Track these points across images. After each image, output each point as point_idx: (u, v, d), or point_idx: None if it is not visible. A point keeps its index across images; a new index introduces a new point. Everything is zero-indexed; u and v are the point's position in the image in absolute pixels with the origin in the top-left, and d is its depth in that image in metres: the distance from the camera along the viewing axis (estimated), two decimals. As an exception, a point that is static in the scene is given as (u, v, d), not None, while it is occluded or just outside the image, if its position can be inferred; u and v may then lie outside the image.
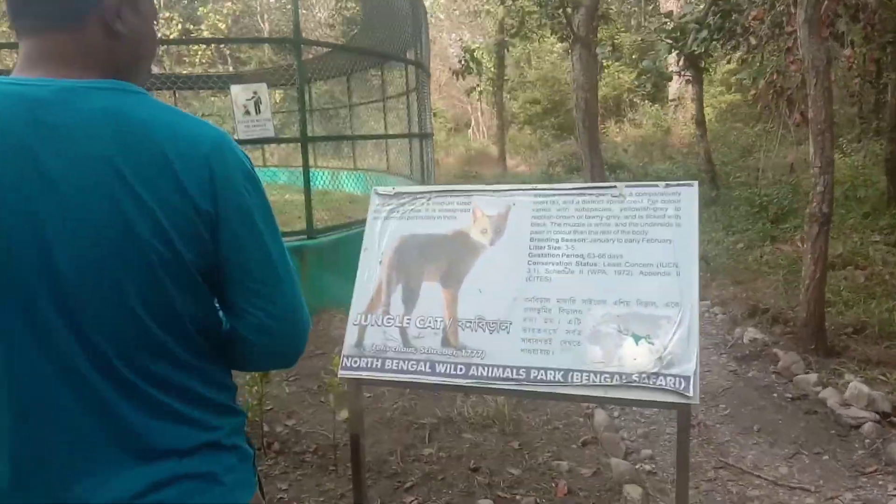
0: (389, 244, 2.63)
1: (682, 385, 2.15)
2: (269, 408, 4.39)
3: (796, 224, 8.05)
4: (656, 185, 2.44)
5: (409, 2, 8.22)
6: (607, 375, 2.22)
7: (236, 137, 5.85)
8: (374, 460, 3.68)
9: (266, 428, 4.11)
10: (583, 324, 2.30)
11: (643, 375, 2.19)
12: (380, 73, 15.64)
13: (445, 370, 2.37)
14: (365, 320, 2.53)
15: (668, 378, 2.17)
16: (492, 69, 19.18)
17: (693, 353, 2.18)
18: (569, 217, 2.47)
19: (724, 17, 8.53)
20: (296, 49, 5.91)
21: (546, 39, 27.85)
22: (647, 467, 3.43)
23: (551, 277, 2.40)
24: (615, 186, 2.47)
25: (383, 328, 2.50)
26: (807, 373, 4.24)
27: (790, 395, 4.21)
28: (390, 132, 15.19)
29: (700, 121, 11.42)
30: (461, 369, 2.36)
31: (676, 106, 23.81)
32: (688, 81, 12.58)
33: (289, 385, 4.74)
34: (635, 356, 2.22)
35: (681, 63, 10.81)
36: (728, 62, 13.41)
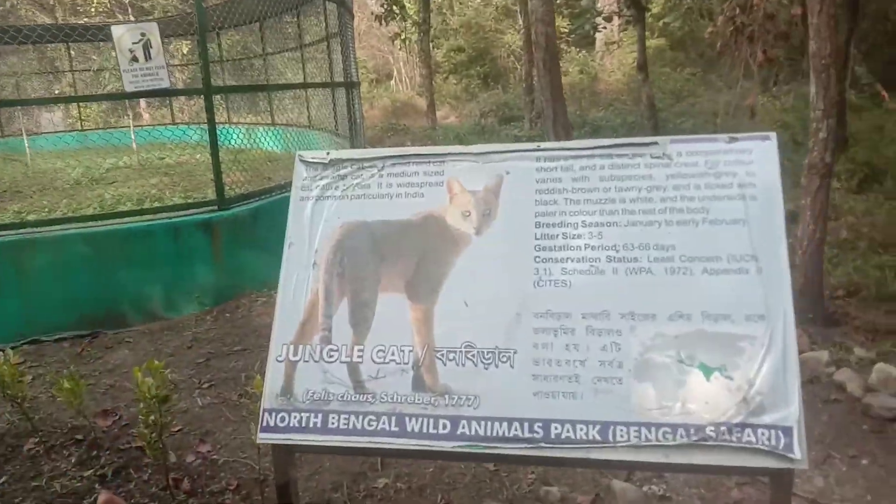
0: (327, 237, 1.78)
1: (782, 441, 1.44)
2: (176, 429, 3.51)
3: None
4: (715, 140, 1.68)
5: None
6: (667, 430, 1.48)
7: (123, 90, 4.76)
8: (313, 499, 2.89)
9: (173, 459, 3.24)
10: (624, 351, 1.55)
11: (721, 428, 1.46)
12: (295, 18, 14.33)
13: (420, 427, 1.58)
14: (294, 354, 1.70)
15: (760, 430, 1.45)
16: (416, 14, 18.01)
17: (794, 391, 1.47)
18: (591, 190, 1.68)
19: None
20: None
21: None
22: (658, 489, 2.80)
23: (571, 281, 1.62)
24: (656, 143, 1.69)
25: (323, 365, 1.67)
26: (812, 349, 3.71)
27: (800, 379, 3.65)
28: (311, 82, 14.00)
29: (642, 64, 10.81)
30: (444, 426, 1.57)
31: (604, 53, 23.32)
32: (627, 22, 11.92)
33: (202, 394, 3.85)
34: (706, 398, 1.49)
35: (621, 2, 10.09)
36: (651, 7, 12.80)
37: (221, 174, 5.07)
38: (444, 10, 30.79)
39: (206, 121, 4.97)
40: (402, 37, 18.49)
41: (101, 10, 23.65)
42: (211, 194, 7.99)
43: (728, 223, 1.60)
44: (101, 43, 19.94)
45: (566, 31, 26.34)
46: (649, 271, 1.59)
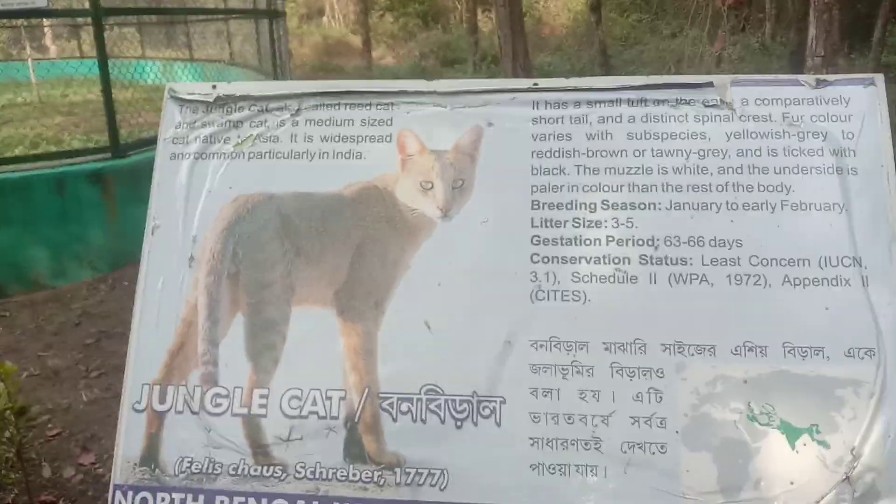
0: (211, 218, 1.17)
1: (906, 543, 0.95)
2: (53, 432, 2.86)
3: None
4: (796, 83, 1.13)
5: None
6: (736, 524, 0.97)
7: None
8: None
9: (47, 473, 2.61)
10: (668, 401, 1.02)
11: (816, 522, 0.97)
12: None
13: (358, 519, 1.03)
14: (161, 401, 1.10)
15: (873, 527, 0.96)
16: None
17: (922, 467, 0.98)
18: (616, 153, 1.12)
19: None
20: None
21: None
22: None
23: (587, 293, 1.07)
24: (710, 83, 1.13)
25: (205, 419, 1.08)
26: None
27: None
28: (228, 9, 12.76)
29: (595, 6, 10.21)
30: (395, 517, 1.02)
31: (547, -7, 22.65)
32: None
33: (88, 386, 3.18)
34: (792, 475, 0.99)
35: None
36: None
37: (115, 114, 4.26)
38: (381, -58, 29.31)
39: (115, 55, 4.12)
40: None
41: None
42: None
43: (818, 208, 1.07)
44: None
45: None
46: (703, 279, 1.05)
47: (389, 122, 1.17)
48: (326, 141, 1.17)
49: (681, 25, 16.65)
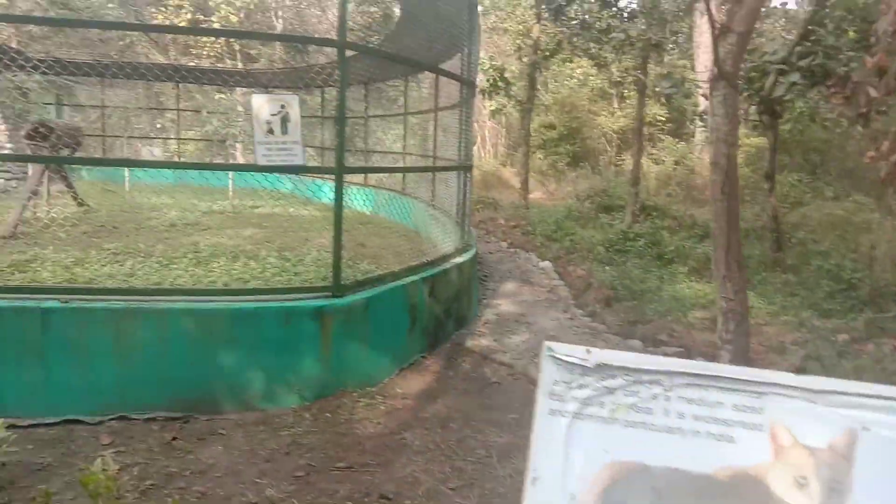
0: (588, 480, 1.30)
1: None
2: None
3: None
4: None
5: (465, 4, 6.88)
6: None
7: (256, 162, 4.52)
8: None
9: None
10: None
11: None
12: (403, 83, 14.40)
13: None
14: None
15: None
16: (517, 90, 17.91)
17: None
18: None
19: (826, 57, 7.33)
20: (340, 55, 4.57)
21: (568, 62, 26.80)
22: None
23: None
24: None
25: None
26: None
27: None
28: (409, 152, 13.95)
29: (770, 174, 10.19)
30: None
31: (704, 147, 22.75)
32: (754, 127, 11.37)
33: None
34: None
35: (753, 108, 9.58)
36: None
37: (341, 260, 4.72)
38: (539, 86, 31.02)
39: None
40: (503, 111, 18.44)
41: (211, 53, 24.69)
42: (311, 263, 7.81)
43: None
44: (206, 85, 20.77)
45: (662, 119, 25.99)
46: None
47: (760, 411, 1.27)
48: (698, 420, 1.29)
49: (844, 188, 16.11)
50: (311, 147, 20.94)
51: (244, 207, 14.52)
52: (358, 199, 12.98)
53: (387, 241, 8.66)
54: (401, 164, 13.88)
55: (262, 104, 4.42)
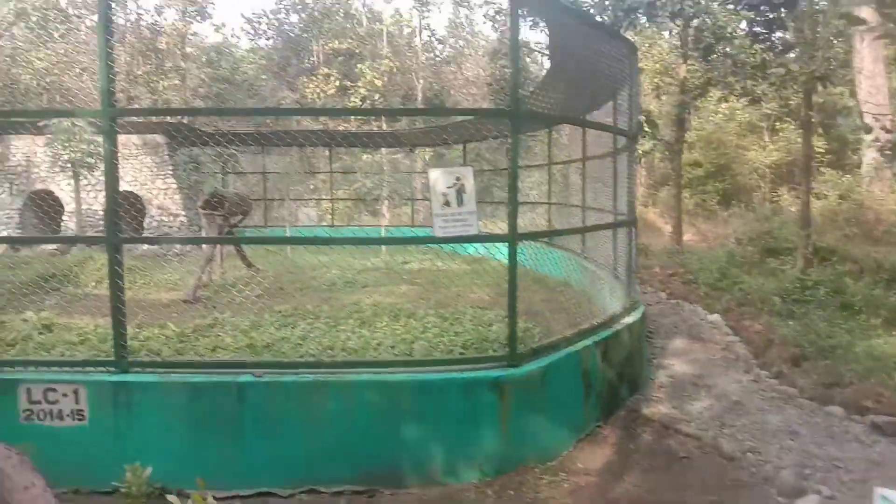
0: None
1: None
2: None
3: None
4: None
5: (624, 47, 6.69)
6: None
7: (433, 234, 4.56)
8: None
9: None
10: None
11: None
12: (546, 136, 14.38)
13: None
14: None
15: None
16: (662, 131, 17.29)
17: None
18: None
19: None
20: (513, 124, 4.54)
21: (711, 98, 25.66)
22: None
23: None
24: None
25: None
26: None
27: None
28: (553, 201, 13.81)
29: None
30: None
31: (872, 178, 20.75)
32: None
33: None
34: None
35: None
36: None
37: (516, 329, 4.61)
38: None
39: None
40: (650, 153, 17.89)
41: (358, 117, 26.07)
42: (470, 322, 7.79)
43: None
44: (356, 148, 21.90)
45: (821, 150, 24.07)
46: None
47: None
48: None
49: None
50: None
51: (395, 263, 14.94)
52: (501, 250, 12.96)
53: (541, 296, 8.50)
54: (547, 214, 13.75)
55: (438, 177, 4.48)
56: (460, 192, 4.44)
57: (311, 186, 25.79)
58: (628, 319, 6.24)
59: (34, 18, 22.83)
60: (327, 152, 22.07)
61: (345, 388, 4.36)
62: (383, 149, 23.06)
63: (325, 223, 22.25)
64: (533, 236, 4.86)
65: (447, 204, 4.43)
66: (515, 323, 4.60)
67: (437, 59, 30.79)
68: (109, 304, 4.60)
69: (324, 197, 23.21)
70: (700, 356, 7.56)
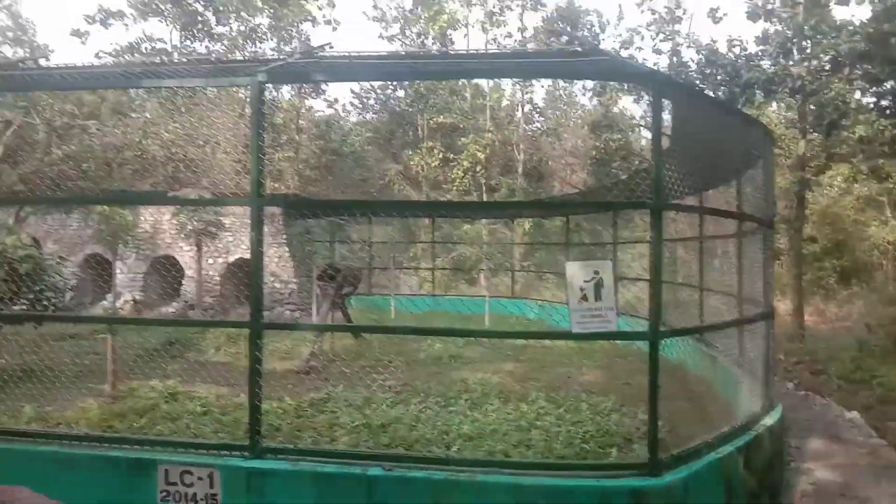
0: None
1: None
2: None
3: None
4: None
5: (761, 132, 6.44)
6: None
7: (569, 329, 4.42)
8: None
9: None
10: None
11: None
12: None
13: None
14: None
15: None
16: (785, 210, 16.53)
17: None
18: None
19: None
20: (656, 217, 4.37)
21: (833, 174, 24.46)
22: None
23: None
24: None
25: None
26: None
27: None
28: (667, 280, 13.31)
29: None
30: None
31: None
32: None
33: None
34: None
35: None
36: None
37: (657, 434, 4.33)
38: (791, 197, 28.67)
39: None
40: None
41: (460, 188, 26.57)
42: (587, 411, 7.47)
43: None
44: (457, 218, 22.24)
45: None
46: None
47: None
48: None
49: None
50: (552, 273, 21.21)
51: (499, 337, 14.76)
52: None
53: (672, 390, 8.09)
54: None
55: (575, 271, 4.37)
56: (598, 286, 4.31)
57: (412, 254, 26.27)
58: (768, 420, 5.80)
59: (163, 93, 24.84)
60: (428, 221, 22.49)
61: (476, 489, 4.20)
62: (483, 219, 23.34)
63: (424, 291, 22.47)
64: (677, 334, 4.61)
65: (584, 299, 4.30)
66: (657, 428, 4.33)
67: (538, 130, 31.13)
68: (248, 389, 4.70)
69: (425, 266, 23.55)
70: (842, 461, 6.88)
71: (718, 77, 15.22)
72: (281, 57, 5.13)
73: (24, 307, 9.44)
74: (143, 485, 4.50)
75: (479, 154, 24.98)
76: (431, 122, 27.10)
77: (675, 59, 19.92)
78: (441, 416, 7.40)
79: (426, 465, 4.43)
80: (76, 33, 31.96)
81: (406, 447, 6.12)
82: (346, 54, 5.18)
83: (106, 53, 31.45)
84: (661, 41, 20.67)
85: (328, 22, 30.32)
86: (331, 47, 5.81)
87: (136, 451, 4.66)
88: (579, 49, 5.20)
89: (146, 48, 28.38)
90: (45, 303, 9.62)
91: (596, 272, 4.35)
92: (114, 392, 8.14)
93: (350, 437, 6.42)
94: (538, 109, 32.91)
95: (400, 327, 11.09)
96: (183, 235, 16.44)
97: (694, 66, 16.49)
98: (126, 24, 29.53)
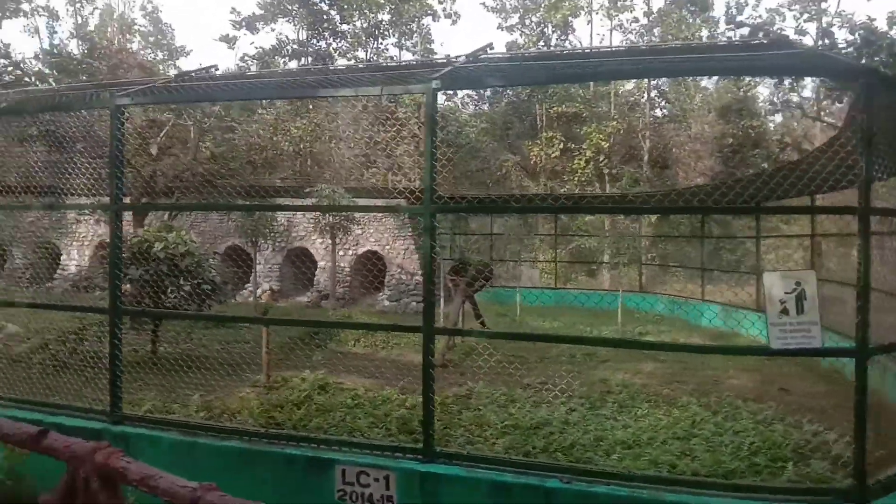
0: None
1: None
2: None
3: None
4: None
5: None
6: None
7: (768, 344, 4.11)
8: None
9: None
10: None
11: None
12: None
13: None
14: None
15: None
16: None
17: None
18: None
19: None
20: (863, 224, 3.92)
21: None
22: None
23: None
24: None
25: None
26: None
27: None
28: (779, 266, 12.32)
29: None
30: None
31: None
32: None
33: None
34: None
35: None
36: None
37: (865, 459, 3.94)
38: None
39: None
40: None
41: (582, 178, 25.99)
42: (749, 421, 7.01)
43: None
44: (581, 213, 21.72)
45: None
46: None
47: None
48: None
49: None
50: (681, 268, 20.31)
51: (631, 334, 14.29)
52: (744, 324, 11.73)
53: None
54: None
55: (774, 282, 4.04)
56: (800, 298, 3.96)
57: (532, 245, 25.98)
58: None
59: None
60: (556, 219, 22.12)
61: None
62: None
63: (543, 284, 22.18)
64: (888, 350, 4.17)
65: (785, 312, 3.97)
66: (864, 453, 3.94)
67: (665, 117, 29.87)
68: (421, 394, 4.71)
69: (545, 259, 23.24)
70: None
71: (877, 59, 13.90)
72: (450, 61, 5.09)
73: (184, 299, 10.05)
74: (320, 484, 4.62)
75: (602, 143, 24.29)
76: (551, 111, 26.62)
77: (824, 40, 18.40)
78: (590, 419, 7.20)
79: (607, 479, 4.27)
80: (224, 38, 33.88)
81: (563, 452, 5.99)
82: (508, 55, 5.06)
83: (249, 57, 33.22)
84: (805, 21, 19.14)
85: (448, 15, 30.48)
86: (491, 48, 5.71)
87: (314, 449, 4.80)
88: (764, 42, 4.79)
89: (287, 50, 29.61)
90: (203, 296, 10.20)
91: (798, 283, 4.01)
92: (268, 382, 8.51)
93: (504, 439, 6.35)
94: (664, 95, 31.55)
95: (557, 336, 10.90)
96: (318, 229, 17.05)
97: (847, 48, 15.14)
98: (258, 27, 30.98)
